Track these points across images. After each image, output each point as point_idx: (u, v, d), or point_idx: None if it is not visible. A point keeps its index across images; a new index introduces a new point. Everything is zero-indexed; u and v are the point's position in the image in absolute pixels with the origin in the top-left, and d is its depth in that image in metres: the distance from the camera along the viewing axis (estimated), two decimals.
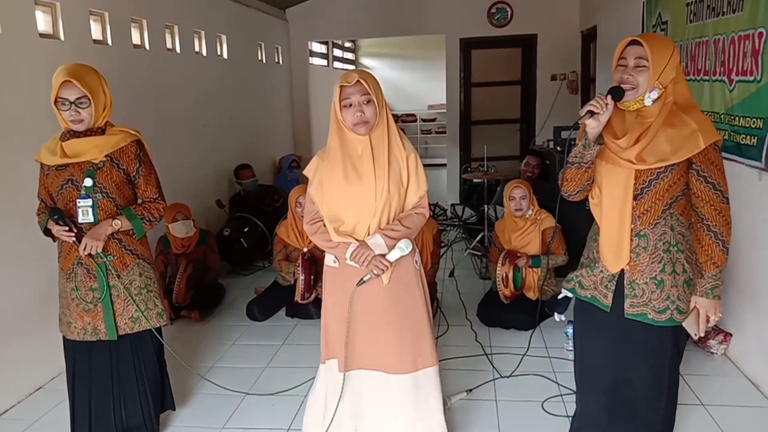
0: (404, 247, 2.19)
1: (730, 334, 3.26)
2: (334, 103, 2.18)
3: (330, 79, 9.63)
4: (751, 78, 2.95)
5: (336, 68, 10.29)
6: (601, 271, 2.08)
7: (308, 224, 2.30)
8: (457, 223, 6.47)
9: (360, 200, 2.19)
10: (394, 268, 2.25)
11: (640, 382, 2.09)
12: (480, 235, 5.33)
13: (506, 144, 7.69)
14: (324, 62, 9.49)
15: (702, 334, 2.02)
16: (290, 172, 6.81)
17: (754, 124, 2.94)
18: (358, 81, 2.12)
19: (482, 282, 4.70)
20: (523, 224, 3.94)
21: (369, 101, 2.15)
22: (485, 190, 5.53)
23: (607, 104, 1.88)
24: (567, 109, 7.28)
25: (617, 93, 1.91)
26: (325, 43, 9.46)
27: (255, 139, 6.59)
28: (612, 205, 2.01)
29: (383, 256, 2.19)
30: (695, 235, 1.99)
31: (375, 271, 2.18)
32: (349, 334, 2.27)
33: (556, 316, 3.49)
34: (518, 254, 3.84)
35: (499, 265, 3.78)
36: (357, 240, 2.20)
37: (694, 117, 1.93)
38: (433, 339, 2.37)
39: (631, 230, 2.00)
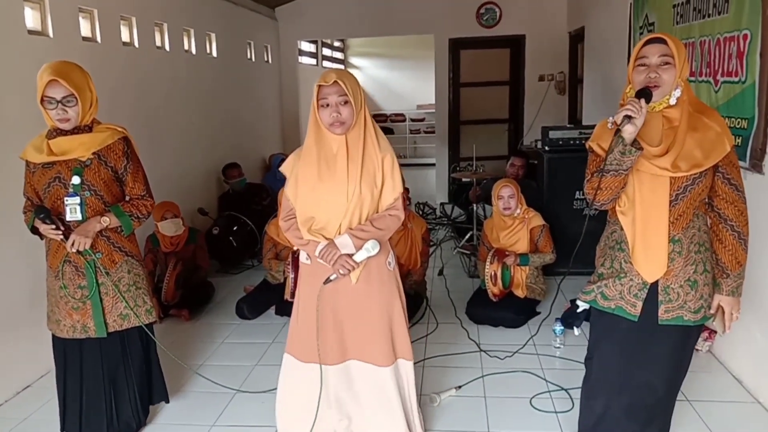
0: (370, 248, 2.20)
1: (715, 332, 3.31)
2: (312, 101, 2.20)
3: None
4: (736, 79, 3.00)
5: (325, 67, 10.29)
6: (631, 280, 2.03)
7: (283, 220, 2.35)
8: (445, 222, 6.50)
9: (332, 199, 2.21)
10: (364, 268, 2.27)
11: (663, 385, 2.10)
12: (469, 234, 5.35)
13: (494, 144, 7.73)
14: (313, 61, 9.49)
15: (729, 331, 2.07)
16: (279, 171, 6.79)
17: (738, 124, 2.98)
18: (335, 81, 2.14)
19: (471, 280, 4.72)
20: (512, 223, 3.97)
21: (346, 102, 2.16)
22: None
23: (641, 107, 1.85)
24: (555, 110, 7.34)
25: (647, 95, 1.89)
26: (314, 42, 9.46)
27: (244, 138, 6.58)
28: (648, 213, 1.97)
29: (350, 256, 2.21)
30: (716, 236, 2.02)
31: (341, 271, 2.21)
32: (319, 332, 2.31)
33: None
34: (506, 252, 3.87)
35: (487, 263, 3.81)
36: (326, 238, 2.23)
37: (715, 119, 1.96)
38: (406, 333, 2.42)
39: (668, 237, 1.98)
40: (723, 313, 2.07)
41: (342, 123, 2.17)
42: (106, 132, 2.46)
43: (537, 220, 3.98)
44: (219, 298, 4.53)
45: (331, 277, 2.24)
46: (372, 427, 2.45)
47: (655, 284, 2.01)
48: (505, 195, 3.92)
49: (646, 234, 1.98)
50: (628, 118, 1.85)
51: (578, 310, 2.27)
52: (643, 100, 1.87)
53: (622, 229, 2.05)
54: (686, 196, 1.95)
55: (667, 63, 1.90)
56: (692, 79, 3.46)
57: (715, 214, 2.02)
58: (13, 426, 2.87)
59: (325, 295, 2.30)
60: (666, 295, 2.01)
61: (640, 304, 2.03)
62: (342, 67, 11.89)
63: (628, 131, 1.86)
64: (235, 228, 5.21)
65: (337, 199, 2.21)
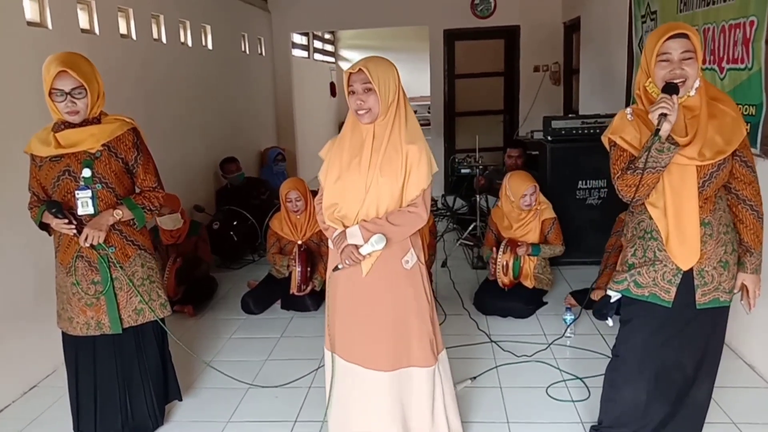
0: (374, 242, 2.13)
1: None
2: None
3: (311, 71, 9.55)
4: (743, 66, 3.01)
5: (316, 60, 10.22)
6: (665, 266, 2.04)
7: (316, 202, 2.37)
8: (447, 214, 6.49)
9: (353, 188, 2.19)
10: (377, 263, 2.21)
11: (692, 365, 2.12)
12: (472, 226, 5.33)
13: (490, 135, 7.72)
14: (305, 54, 9.41)
15: (754, 309, 2.12)
16: (275, 165, 6.76)
17: (746, 111, 2.99)
18: (360, 69, 2.12)
19: (475, 272, 4.72)
20: (525, 214, 3.96)
21: (369, 90, 2.12)
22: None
23: (674, 103, 1.87)
24: (550, 100, 7.36)
25: (676, 89, 1.90)
26: (306, 34, 9.38)
27: (239, 131, 6.52)
28: (679, 203, 1.99)
29: (356, 247, 2.17)
30: (737, 216, 2.06)
31: (347, 261, 2.18)
32: (330, 318, 2.32)
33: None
34: (519, 242, 3.87)
35: (500, 253, 3.81)
36: (345, 226, 2.21)
37: (729, 104, 1.99)
38: (425, 339, 2.29)
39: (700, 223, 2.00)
40: (747, 292, 2.09)
41: (367, 110, 2.14)
42: (115, 123, 2.41)
43: (548, 213, 3.98)
44: (222, 293, 4.48)
45: (339, 266, 2.22)
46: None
47: (690, 269, 2.03)
48: (528, 193, 3.89)
49: (679, 224, 1.99)
50: (664, 116, 1.86)
51: (612, 300, 2.25)
52: (674, 96, 1.89)
53: (650, 218, 2.05)
54: (712, 182, 1.97)
55: (689, 57, 1.92)
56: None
57: (733, 195, 2.06)
58: (23, 426, 2.82)
59: (340, 284, 2.28)
60: (701, 278, 2.03)
61: (673, 290, 2.04)
62: (332, 59, 11.81)
63: (665, 129, 1.88)
64: (235, 223, 5.16)
65: (358, 189, 2.18)
